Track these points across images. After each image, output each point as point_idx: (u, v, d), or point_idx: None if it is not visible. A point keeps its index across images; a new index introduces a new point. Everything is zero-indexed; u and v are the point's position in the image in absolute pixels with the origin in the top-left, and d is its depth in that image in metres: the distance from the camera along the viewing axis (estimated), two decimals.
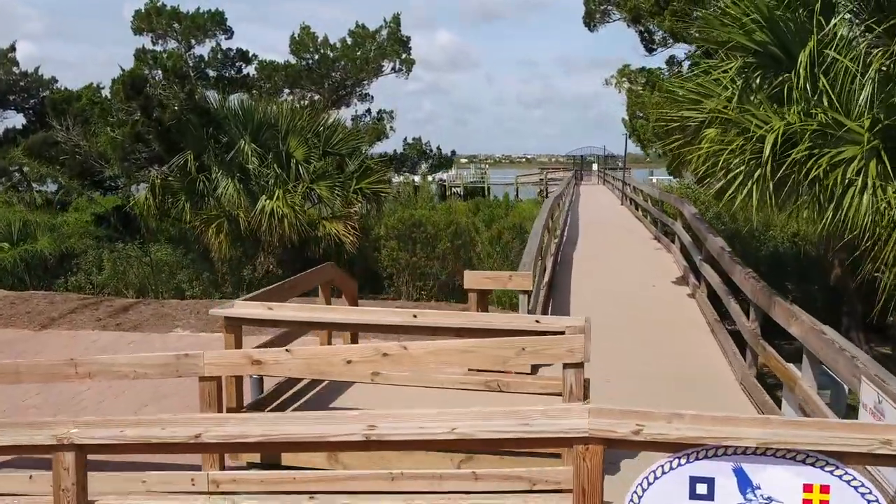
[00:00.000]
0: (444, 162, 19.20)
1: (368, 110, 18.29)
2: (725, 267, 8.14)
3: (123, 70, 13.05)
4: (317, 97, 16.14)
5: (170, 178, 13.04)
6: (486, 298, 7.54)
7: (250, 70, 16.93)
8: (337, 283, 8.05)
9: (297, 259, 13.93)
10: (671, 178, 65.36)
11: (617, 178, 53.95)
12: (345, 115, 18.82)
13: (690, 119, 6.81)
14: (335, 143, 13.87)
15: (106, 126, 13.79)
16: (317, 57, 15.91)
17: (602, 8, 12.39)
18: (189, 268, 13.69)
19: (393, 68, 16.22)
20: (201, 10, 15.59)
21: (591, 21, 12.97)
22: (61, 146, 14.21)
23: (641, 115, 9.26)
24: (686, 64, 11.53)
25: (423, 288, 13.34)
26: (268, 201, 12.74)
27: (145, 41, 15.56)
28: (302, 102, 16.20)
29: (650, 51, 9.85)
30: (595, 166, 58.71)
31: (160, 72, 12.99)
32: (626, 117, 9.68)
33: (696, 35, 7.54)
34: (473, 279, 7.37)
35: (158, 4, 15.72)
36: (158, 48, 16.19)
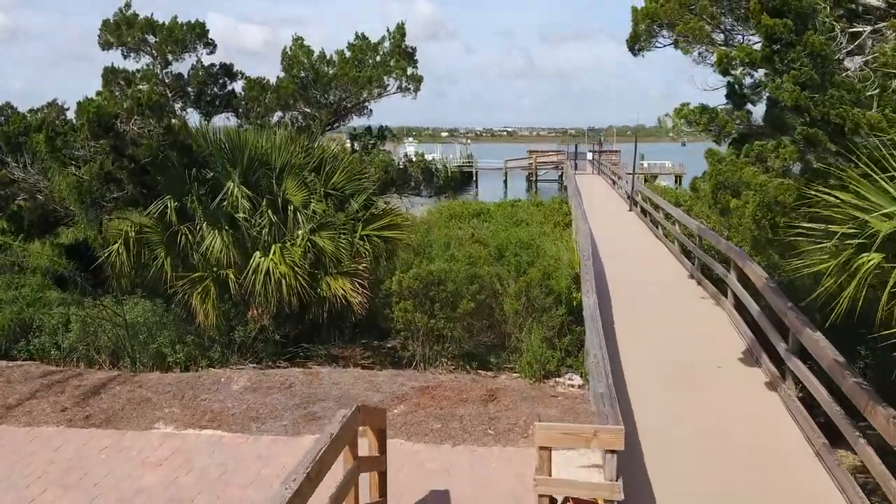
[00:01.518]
0: (450, 180, 17.33)
1: (368, 128, 16.43)
2: (850, 393, 6.48)
3: (89, 102, 11.06)
4: (313, 119, 14.23)
5: (146, 229, 11.15)
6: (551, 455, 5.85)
7: (236, 86, 14.97)
8: (365, 425, 6.30)
9: (295, 314, 12.17)
10: (667, 164, 63.40)
11: (609, 166, 52.43)
12: (343, 131, 16.98)
13: (847, 237, 5.12)
14: (338, 182, 12.03)
15: (70, 162, 11.83)
16: (312, 75, 13.97)
17: (652, 28, 10.60)
18: (170, 328, 11.83)
19: (399, 87, 14.33)
20: (180, 22, 13.54)
21: (635, 44, 11.19)
22: (18, 185, 12.25)
23: (724, 182, 7.52)
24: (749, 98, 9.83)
25: (441, 353, 11.62)
26: (262, 258, 10.91)
27: (115, 57, 13.54)
28: (296, 124, 14.30)
29: (741, 106, 8.09)
30: (590, 155, 56.95)
31: (133, 104, 11.00)
32: (706, 187, 7.95)
33: (832, 112, 5.80)
34: (548, 436, 5.66)
35: (129, 14, 13.65)
36: (130, 63, 14.17)
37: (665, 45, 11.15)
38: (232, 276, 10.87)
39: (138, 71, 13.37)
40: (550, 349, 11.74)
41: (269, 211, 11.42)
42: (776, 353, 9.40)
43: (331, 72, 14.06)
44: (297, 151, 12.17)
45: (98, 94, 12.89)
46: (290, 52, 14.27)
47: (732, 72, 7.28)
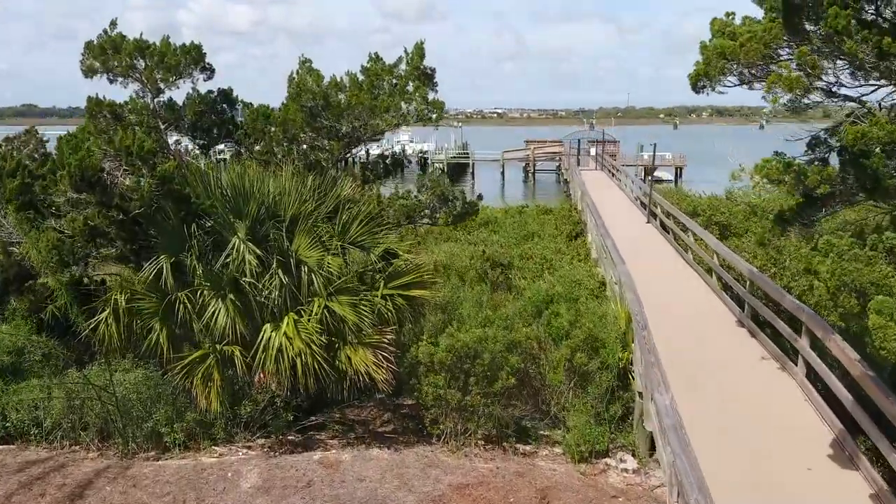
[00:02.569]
0: (469, 208, 15.96)
1: (382, 156, 14.97)
2: None
3: (72, 147, 9.54)
4: (322, 150, 12.74)
5: (138, 297, 9.69)
6: None
7: (236, 115, 13.42)
8: None
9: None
10: (667, 156, 61.95)
11: (608, 159, 51.04)
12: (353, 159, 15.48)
13: None
14: (355, 235, 10.60)
15: (49, 212, 10.35)
16: (322, 103, 12.45)
17: (725, 67, 9.21)
18: (167, 400, 10.40)
19: (418, 115, 12.84)
20: (173, 46, 11.97)
21: (699, 81, 9.81)
22: None
23: (849, 283, 6.15)
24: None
25: (475, 430, 10.26)
26: (273, 332, 9.46)
27: (100, 85, 11.98)
28: (305, 158, 12.81)
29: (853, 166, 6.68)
30: (593, 150, 55.37)
31: (123, 154, 9.50)
32: (825, 286, 6.54)
33: None
34: None
35: (115, 36, 12.06)
36: (118, 87, 12.60)
37: (735, 85, 9.77)
38: (238, 353, 9.44)
39: (126, 102, 11.81)
40: (598, 423, 10.47)
41: (280, 271, 9.96)
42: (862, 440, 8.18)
43: (343, 98, 12.54)
44: (308, 196, 10.73)
45: (81, 129, 11.39)
46: (296, 78, 12.73)
47: (865, 150, 5.84)
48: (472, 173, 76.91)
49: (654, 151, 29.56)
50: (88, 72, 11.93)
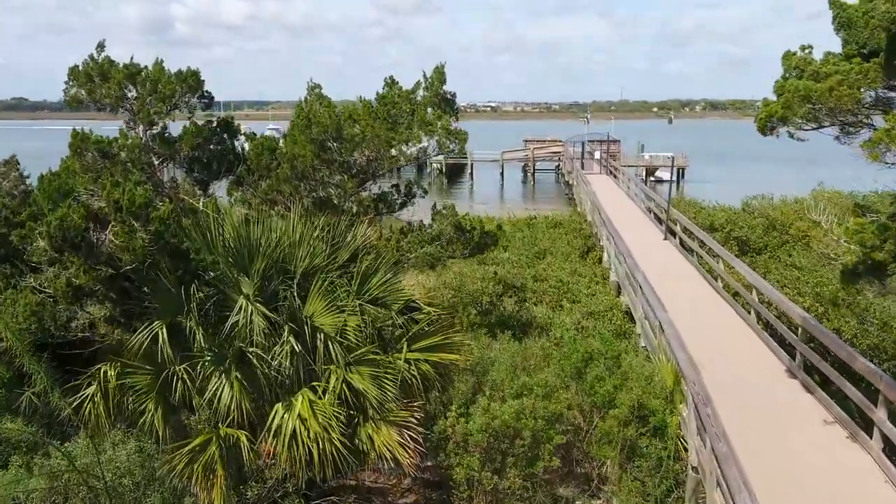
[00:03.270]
0: (488, 239, 14.83)
1: (396, 186, 13.76)
2: None
3: (51, 205, 8.30)
4: (335, 187, 11.52)
5: (129, 371, 8.47)
6: None
7: (237, 143, 12.17)
8: None
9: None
10: (669, 155, 60.78)
11: (612, 162, 49.96)
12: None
13: None
14: (376, 292, 9.40)
15: (28, 266, 9.12)
16: (332, 133, 11.22)
17: (809, 112, 8.04)
18: (162, 480, 9.20)
19: (440, 147, 11.64)
20: (167, 73, 10.72)
21: (768, 123, 8.67)
22: None
23: None
24: None
25: None
26: (287, 414, 8.25)
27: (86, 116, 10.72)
28: (314, 193, 11.60)
29: None
30: (597, 154, 54.04)
31: (111, 209, 8.27)
32: None
33: None
34: None
35: (102, 61, 10.79)
36: (106, 115, 11.35)
37: (814, 129, 8.59)
38: (244, 439, 8.22)
39: (116, 139, 10.53)
40: (645, 500, 9.36)
41: (292, 338, 8.75)
42: None
43: (357, 130, 11.31)
44: (321, 248, 9.52)
45: (66, 168, 10.15)
46: (305, 105, 11.49)
47: None
48: (471, 174, 75.69)
49: (672, 167, 28.18)
50: (73, 102, 10.68)
